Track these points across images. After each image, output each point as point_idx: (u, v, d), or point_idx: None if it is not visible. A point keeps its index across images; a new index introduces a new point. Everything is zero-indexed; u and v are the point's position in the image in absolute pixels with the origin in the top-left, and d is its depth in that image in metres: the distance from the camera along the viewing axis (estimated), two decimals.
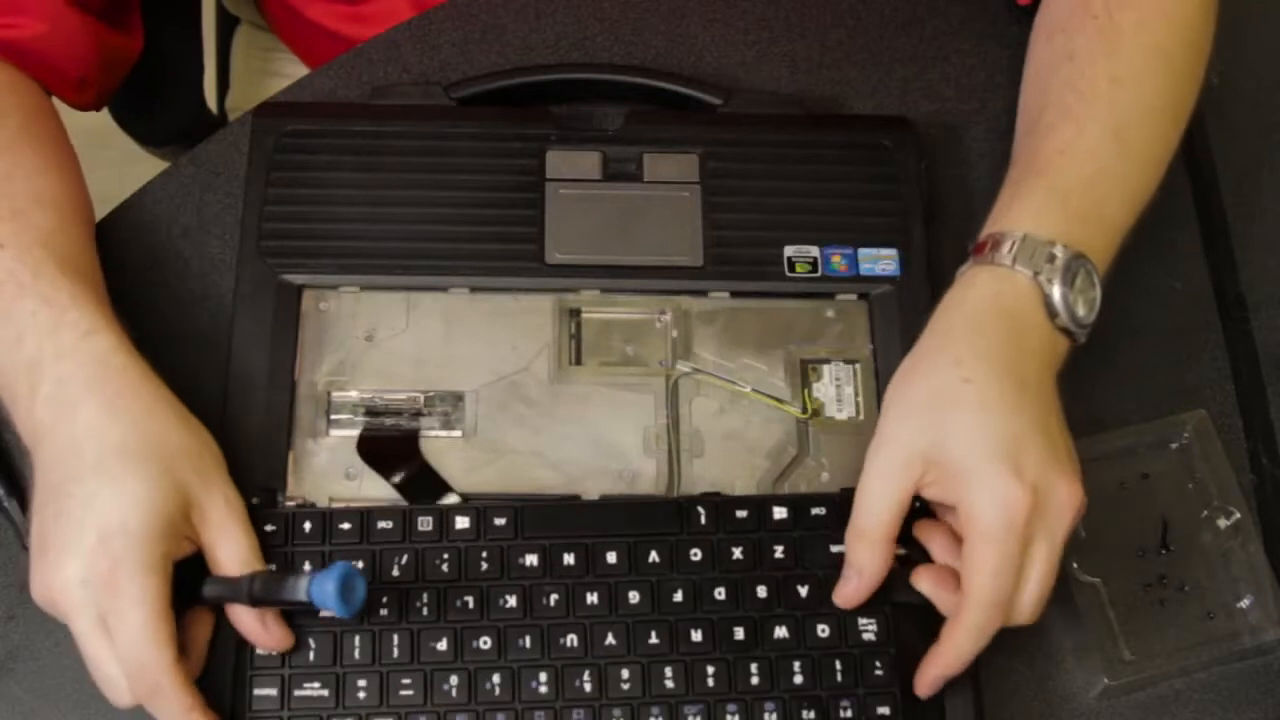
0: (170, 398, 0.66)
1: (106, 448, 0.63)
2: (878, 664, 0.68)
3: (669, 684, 0.67)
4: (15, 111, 0.73)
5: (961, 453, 0.64)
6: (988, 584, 0.63)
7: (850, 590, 0.67)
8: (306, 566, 0.67)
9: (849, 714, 0.67)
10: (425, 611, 0.67)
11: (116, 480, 0.62)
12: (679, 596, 0.68)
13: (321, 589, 0.61)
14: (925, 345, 0.68)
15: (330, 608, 0.61)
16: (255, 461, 0.70)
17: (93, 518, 0.61)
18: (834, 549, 0.69)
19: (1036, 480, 0.63)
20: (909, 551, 0.69)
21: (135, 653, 0.61)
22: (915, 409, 0.66)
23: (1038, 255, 0.67)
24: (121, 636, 0.61)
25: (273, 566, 0.66)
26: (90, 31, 0.76)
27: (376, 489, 0.71)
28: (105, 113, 1.03)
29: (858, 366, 0.75)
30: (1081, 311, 0.68)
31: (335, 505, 0.70)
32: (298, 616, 0.66)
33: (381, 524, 0.68)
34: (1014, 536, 0.63)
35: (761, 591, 0.68)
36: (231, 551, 0.64)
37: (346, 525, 0.68)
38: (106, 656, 0.62)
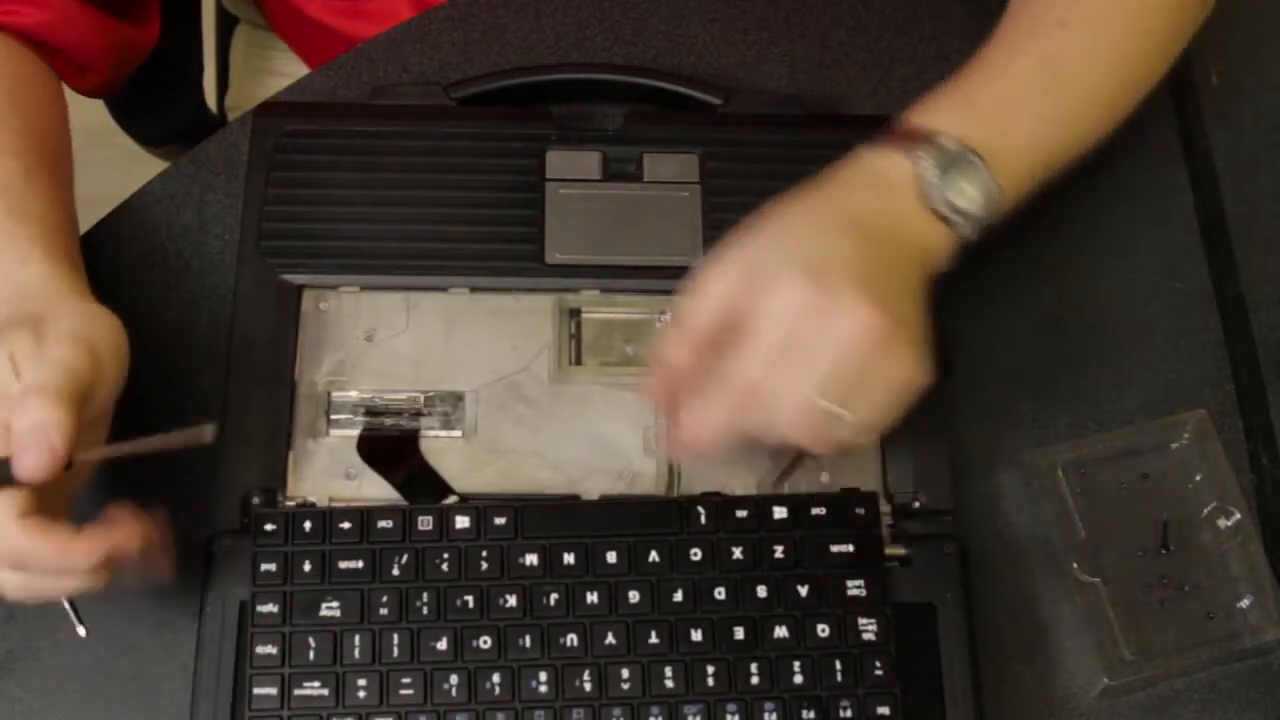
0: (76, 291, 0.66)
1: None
2: (878, 664, 0.68)
3: (669, 684, 0.67)
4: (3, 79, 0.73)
5: (775, 259, 0.64)
6: (738, 364, 0.62)
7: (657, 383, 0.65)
8: None
9: (849, 714, 0.67)
10: (425, 611, 0.67)
11: None
12: (679, 596, 0.68)
13: None
14: (793, 197, 0.69)
15: None
16: (255, 461, 0.70)
17: None
18: (834, 549, 0.69)
19: (832, 290, 0.62)
20: (909, 552, 0.70)
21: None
22: (758, 232, 0.66)
23: (920, 140, 0.68)
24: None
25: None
26: (93, 19, 0.77)
27: (376, 489, 0.71)
28: (105, 113, 1.03)
29: None
30: (960, 201, 0.68)
31: (335, 505, 0.70)
32: (296, 616, 0.66)
33: (381, 524, 0.68)
34: (777, 324, 0.61)
35: (761, 591, 0.68)
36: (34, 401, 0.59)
37: (346, 525, 0.68)
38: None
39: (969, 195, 0.67)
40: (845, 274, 0.63)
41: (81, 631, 0.69)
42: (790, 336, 0.61)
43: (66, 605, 0.69)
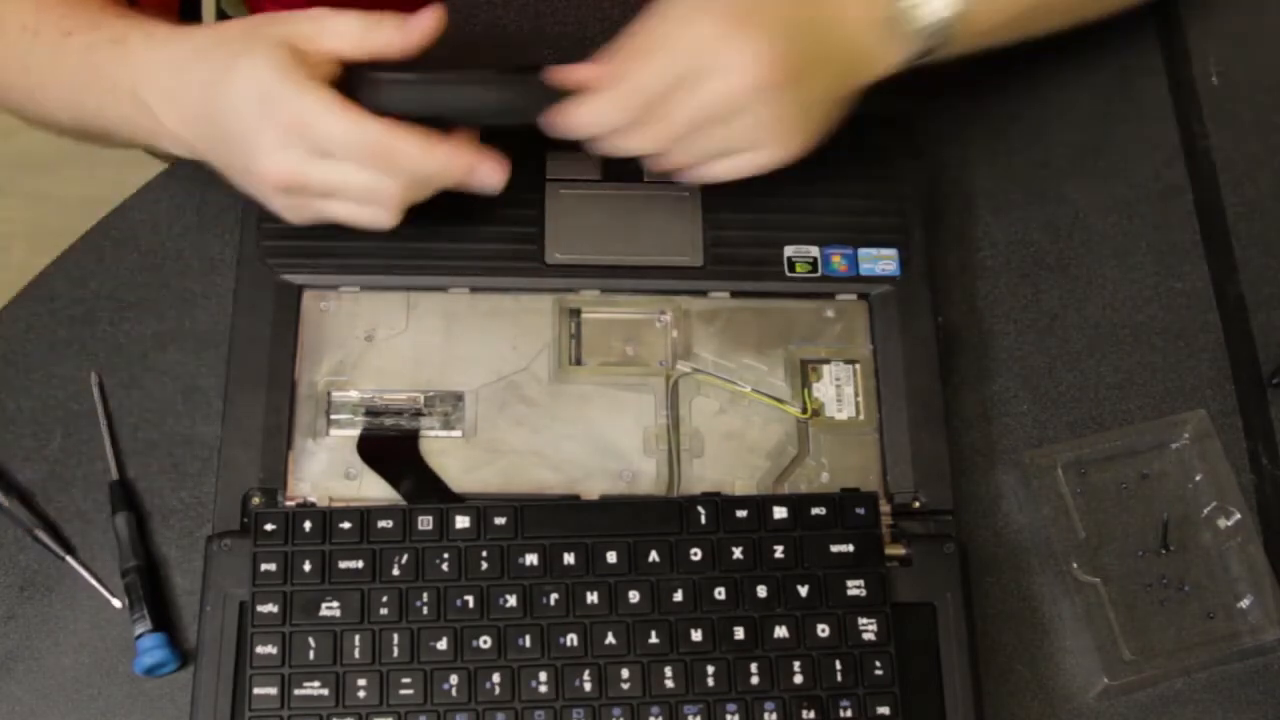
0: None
1: (211, 55, 0.67)
2: (878, 664, 0.68)
3: (669, 684, 0.67)
4: None
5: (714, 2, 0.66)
6: (639, 70, 0.65)
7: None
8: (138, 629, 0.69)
9: (849, 714, 0.67)
10: (425, 611, 0.67)
11: (234, 63, 0.65)
12: (679, 596, 0.68)
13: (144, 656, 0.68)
14: None
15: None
16: (255, 461, 0.70)
17: (246, 92, 0.65)
18: (834, 549, 0.69)
19: (747, 27, 0.65)
20: (909, 552, 0.70)
21: (352, 140, 0.64)
22: None
23: None
24: (334, 142, 0.64)
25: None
26: None
27: (376, 489, 0.71)
28: None
29: (858, 366, 0.75)
30: (914, 6, 0.69)
31: (335, 505, 0.70)
32: (296, 616, 0.66)
33: (381, 524, 0.68)
34: (685, 45, 0.65)
35: (761, 591, 0.68)
36: (341, 29, 0.66)
37: (346, 525, 0.68)
38: (340, 174, 0.66)
39: (927, 5, 0.69)
40: (765, 21, 0.65)
41: (116, 604, 0.69)
42: (688, 54, 0.65)
43: (92, 580, 0.70)
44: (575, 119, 0.67)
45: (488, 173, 0.67)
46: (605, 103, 0.66)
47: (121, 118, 0.70)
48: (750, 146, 0.68)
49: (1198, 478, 0.75)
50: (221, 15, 1.08)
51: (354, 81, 0.65)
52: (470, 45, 0.84)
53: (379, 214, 0.68)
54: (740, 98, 0.66)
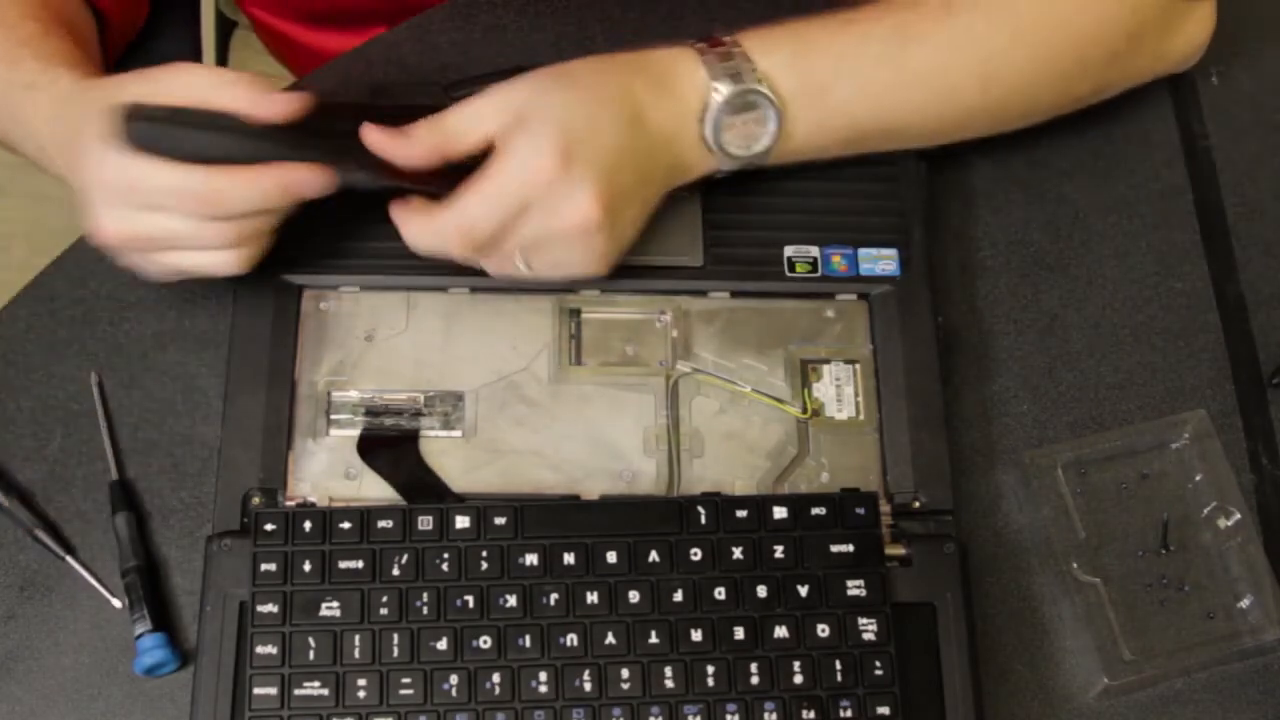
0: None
1: (78, 115, 0.66)
2: (878, 664, 0.68)
3: (669, 684, 0.67)
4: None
5: (543, 114, 0.66)
6: (466, 199, 0.66)
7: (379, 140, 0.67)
8: (139, 630, 0.69)
9: (849, 714, 0.67)
10: (425, 611, 0.67)
11: (82, 126, 0.65)
12: (679, 596, 0.68)
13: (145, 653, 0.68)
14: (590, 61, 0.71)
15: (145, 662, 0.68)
16: (255, 461, 0.70)
17: (85, 155, 0.65)
18: (834, 549, 0.69)
19: (574, 170, 0.65)
20: (909, 552, 0.70)
21: (175, 190, 0.63)
22: (544, 78, 0.69)
23: (729, 67, 0.69)
24: (158, 194, 0.64)
25: None
26: None
27: (376, 489, 0.71)
28: None
29: (858, 366, 0.75)
30: (732, 145, 0.70)
31: (335, 505, 0.70)
32: (296, 616, 0.66)
33: (381, 524, 0.68)
34: (513, 179, 0.66)
35: (761, 591, 0.68)
36: (188, 83, 0.65)
37: (346, 525, 0.68)
38: (172, 224, 0.64)
39: (743, 141, 0.70)
40: (594, 158, 0.66)
41: (116, 604, 0.69)
42: (519, 195, 0.66)
43: (92, 580, 0.70)
44: (402, 232, 0.68)
45: (308, 181, 0.65)
46: (430, 233, 0.68)
47: (37, 155, 0.72)
48: (557, 269, 0.70)
49: (1198, 478, 0.75)
50: (220, 15, 1.08)
51: (144, 130, 0.63)
52: (470, 46, 0.84)
53: (227, 257, 0.67)
54: (559, 237, 0.67)
